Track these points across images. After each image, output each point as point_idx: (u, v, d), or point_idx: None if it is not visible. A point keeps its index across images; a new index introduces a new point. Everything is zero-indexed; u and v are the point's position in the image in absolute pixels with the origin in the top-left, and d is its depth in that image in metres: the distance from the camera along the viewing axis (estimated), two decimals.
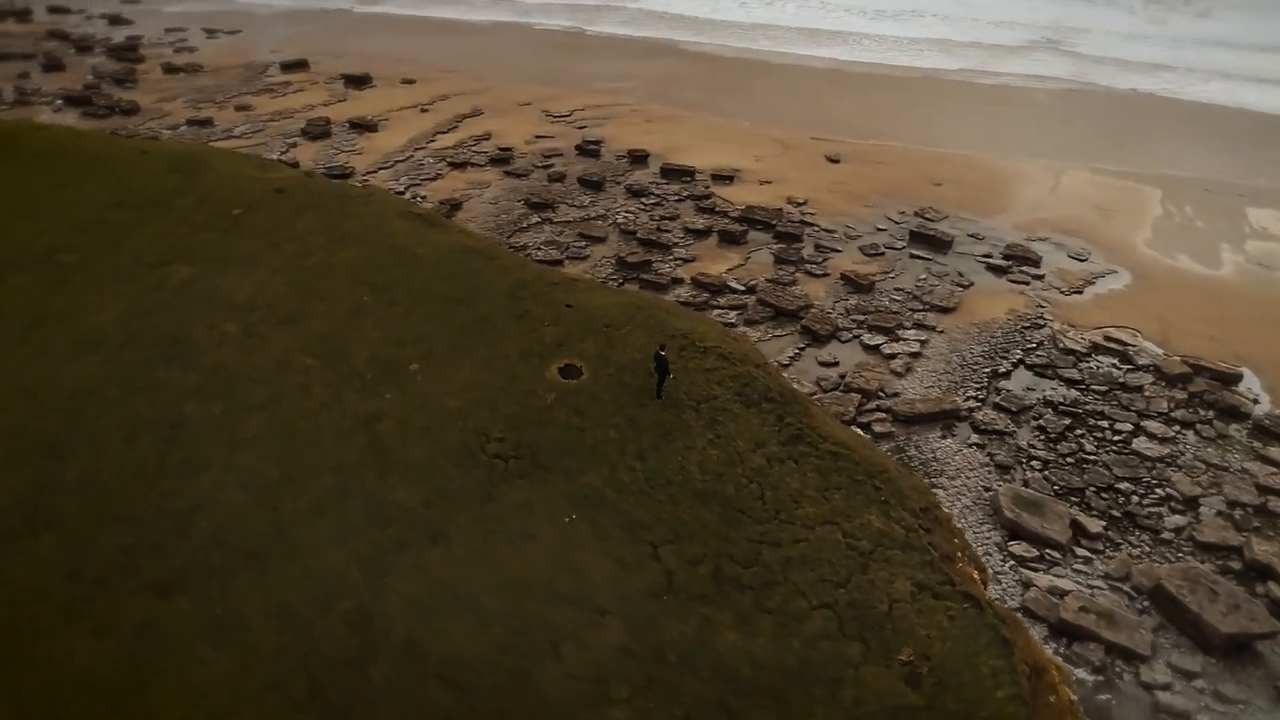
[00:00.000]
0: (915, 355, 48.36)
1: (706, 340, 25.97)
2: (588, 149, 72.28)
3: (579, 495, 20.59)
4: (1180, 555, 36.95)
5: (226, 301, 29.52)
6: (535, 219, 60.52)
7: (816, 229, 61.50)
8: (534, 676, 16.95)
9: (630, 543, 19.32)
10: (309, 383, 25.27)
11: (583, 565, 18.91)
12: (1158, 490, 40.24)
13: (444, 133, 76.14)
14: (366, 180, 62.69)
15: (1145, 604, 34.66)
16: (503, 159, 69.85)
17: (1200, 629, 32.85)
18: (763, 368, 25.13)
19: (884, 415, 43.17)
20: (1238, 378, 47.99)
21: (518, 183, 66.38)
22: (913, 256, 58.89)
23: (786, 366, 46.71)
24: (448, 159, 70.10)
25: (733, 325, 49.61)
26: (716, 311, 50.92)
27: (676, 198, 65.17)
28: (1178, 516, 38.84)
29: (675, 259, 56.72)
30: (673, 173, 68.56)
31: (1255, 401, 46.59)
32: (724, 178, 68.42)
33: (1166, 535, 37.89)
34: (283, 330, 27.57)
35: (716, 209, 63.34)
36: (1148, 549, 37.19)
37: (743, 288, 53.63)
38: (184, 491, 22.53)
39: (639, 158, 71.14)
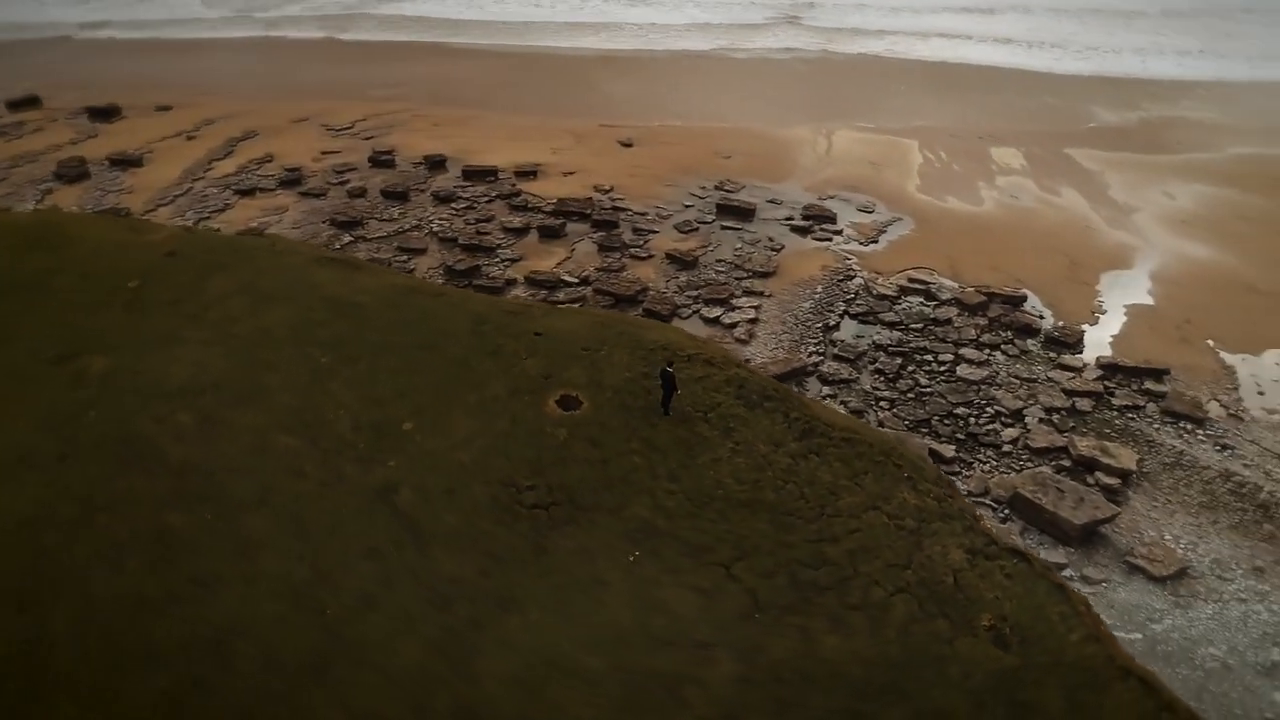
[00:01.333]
0: (753, 321, 49.69)
1: (685, 348, 25.20)
2: (381, 160, 68.51)
3: (631, 530, 19.11)
4: (1021, 463, 40.35)
5: (164, 389, 25.15)
6: (347, 238, 56.63)
7: (629, 213, 61.66)
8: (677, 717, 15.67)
9: (701, 568, 18.25)
10: (299, 464, 21.87)
11: (665, 602, 17.57)
12: (988, 409, 43.72)
13: (220, 159, 69.55)
14: (148, 217, 56.11)
15: (1006, 512, 37.61)
16: (293, 180, 64.80)
17: (1058, 525, 36.03)
18: (744, 367, 24.70)
19: None
20: (1022, 299, 52.93)
21: (317, 203, 61.84)
22: (724, 228, 60.38)
23: None
24: (233, 187, 64.09)
25: None
26: (560, 308, 49.82)
27: (486, 199, 63.19)
28: (1010, 429, 42.39)
29: (502, 260, 55.02)
30: (475, 174, 66.39)
31: (1041, 318, 51.61)
32: (527, 173, 67.08)
33: (1006, 448, 41.27)
34: (244, 411, 23.81)
35: (529, 205, 62.01)
36: (994, 463, 40.34)
37: (576, 280, 52.88)
38: (207, 614, 18.86)
39: (437, 163, 68.31)
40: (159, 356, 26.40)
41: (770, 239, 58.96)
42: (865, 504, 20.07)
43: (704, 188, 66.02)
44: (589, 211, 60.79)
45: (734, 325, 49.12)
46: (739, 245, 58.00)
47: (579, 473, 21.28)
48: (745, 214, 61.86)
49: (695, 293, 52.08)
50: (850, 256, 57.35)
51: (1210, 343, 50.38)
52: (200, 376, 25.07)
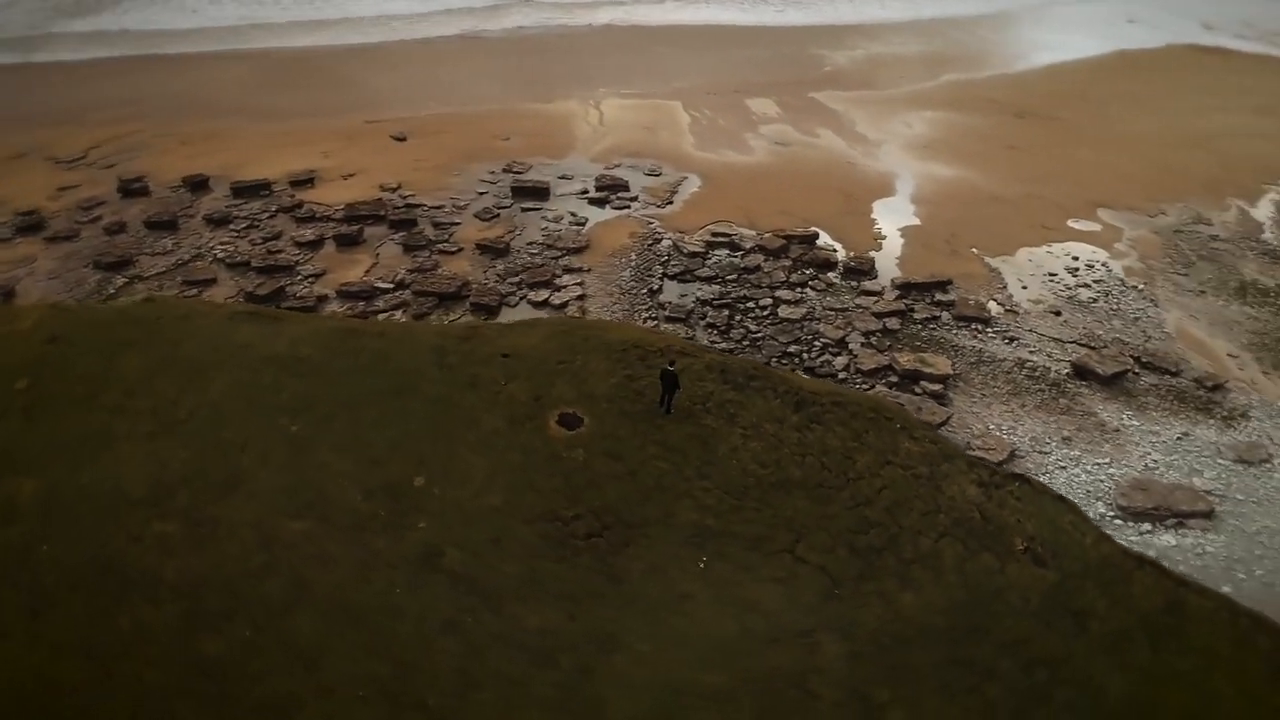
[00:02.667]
0: (582, 298, 49.24)
1: (653, 343, 23.91)
2: (133, 188, 60.79)
3: (688, 536, 17.90)
4: (860, 386, 42.99)
5: (126, 499, 20.48)
6: (120, 280, 50.01)
7: (425, 209, 58.87)
8: (806, 714, 14.96)
9: (768, 558, 17.51)
10: (322, 550, 18.35)
11: (752, 600, 16.70)
12: (816, 343, 46.14)
13: None
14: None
15: None
16: (33, 225, 56.10)
17: None
18: (711, 350, 23.88)
19: None
20: (815, 236, 56.06)
21: (70, 246, 54.02)
22: (524, 210, 59.16)
23: None
24: None
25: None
26: (382, 315, 46.89)
27: (267, 214, 57.91)
28: (840, 358, 45.03)
29: (305, 277, 50.82)
30: (247, 190, 60.58)
31: (835, 251, 54.96)
32: (303, 182, 62.15)
33: (841, 376, 43.79)
34: (231, 504, 19.60)
35: (316, 215, 57.57)
36: None
37: (392, 285, 49.93)
38: None
39: (199, 183, 61.63)
40: (101, 463, 21.56)
41: (573, 214, 58.51)
42: (879, 461, 20.61)
43: (493, 172, 64.20)
44: (383, 213, 57.43)
45: (564, 305, 48.46)
46: (544, 225, 57.11)
47: (614, 490, 20.04)
48: (541, 193, 60.89)
49: (516, 279, 50.78)
50: (652, 220, 58.10)
51: (975, 250, 55.96)
52: (163, 475, 20.64)
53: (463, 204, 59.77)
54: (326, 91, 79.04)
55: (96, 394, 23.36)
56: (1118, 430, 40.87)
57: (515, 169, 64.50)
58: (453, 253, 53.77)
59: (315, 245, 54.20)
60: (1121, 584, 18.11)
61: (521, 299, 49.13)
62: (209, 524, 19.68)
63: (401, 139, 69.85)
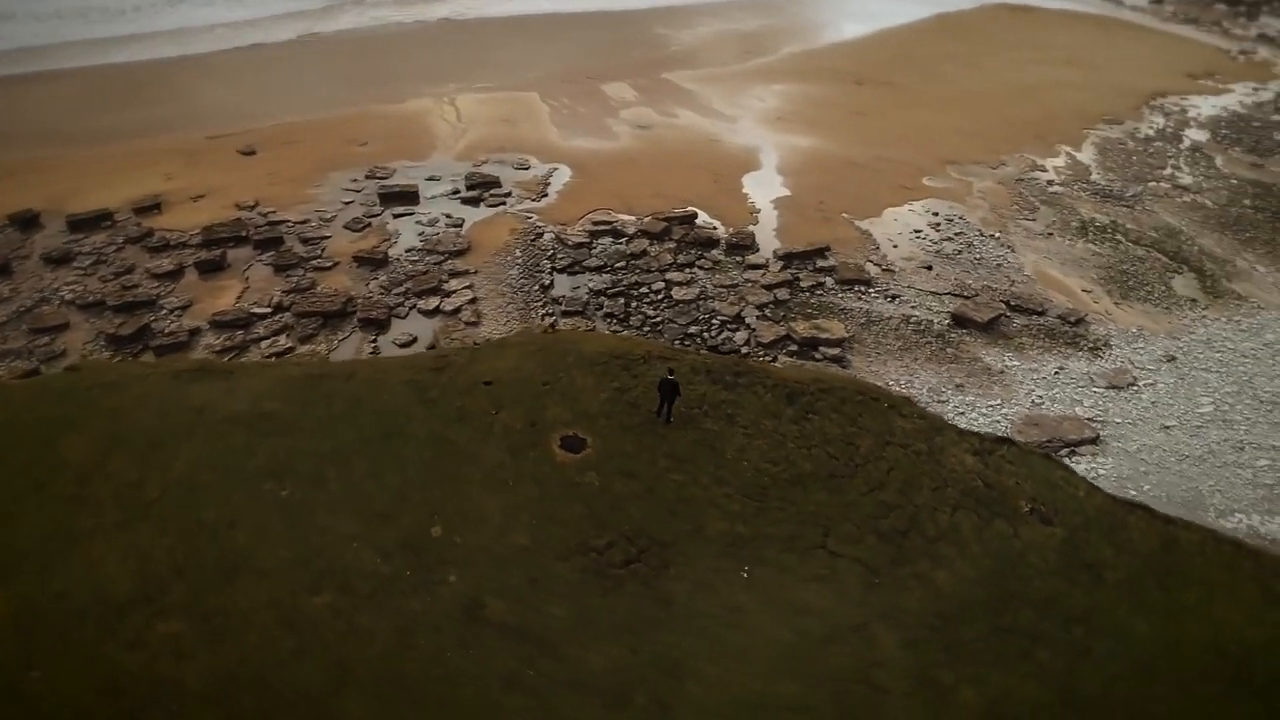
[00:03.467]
0: (474, 302, 47.65)
1: (630, 352, 22.60)
2: None
3: (723, 547, 16.93)
4: (763, 358, 43.61)
5: (111, 603, 17.28)
6: None
7: (289, 224, 55.34)
8: (883, 709, 14.58)
9: (805, 556, 16.86)
10: (353, 623, 16.04)
11: (801, 601, 16.01)
12: (714, 322, 46.46)
13: None
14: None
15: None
16: None
17: None
18: (688, 351, 22.85)
19: None
20: (694, 216, 56.36)
21: None
22: (396, 216, 56.62)
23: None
24: None
25: (290, 350, 43.38)
26: (265, 343, 43.87)
27: (114, 248, 52.96)
28: (740, 333, 45.50)
29: (171, 311, 46.82)
30: (85, 223, 55.17)
31: (715, 229, 55.43)
32: (149, 208, 57.12)
33: (744, 350, 44.28)
34: (238, 589, 16.69)
35: (170, 243, 53.10)
36: None
37: (270, 309, 46.72)
38: None
39: (28, 220, 55.64)
40: (72, 565, 18.27)
41: (448, 216, 56.46)
42: (879, 443, 20.58)
43: (355, 180, 61.09)
44: (244, 233, 53.60)
45: (458, 310, 46.76)
46: (420, 230, 54.84)
47: (637, 511, 18.94)
48: (410, 197, 58.45)
49: (401, 289, 48.57)
50: (531, 215, 56.85)
51: (845, 215, 57.75)
52: (150, 569, 17.61)
53: (329, 216, 56.58)
54: (158, 108, 72.99)
55: (43, 486, 19.83)
56: (1002, 372, 43.24)
57: (379, 174, 61.63)
58: (328, 268, 50.85)
59: (175, 275, 50.02)
60: (1120, 530, 19.14)
61: (411, 308, 47.06)
62: (219, 616, 17.19)
63: (250, 153, 65.41)
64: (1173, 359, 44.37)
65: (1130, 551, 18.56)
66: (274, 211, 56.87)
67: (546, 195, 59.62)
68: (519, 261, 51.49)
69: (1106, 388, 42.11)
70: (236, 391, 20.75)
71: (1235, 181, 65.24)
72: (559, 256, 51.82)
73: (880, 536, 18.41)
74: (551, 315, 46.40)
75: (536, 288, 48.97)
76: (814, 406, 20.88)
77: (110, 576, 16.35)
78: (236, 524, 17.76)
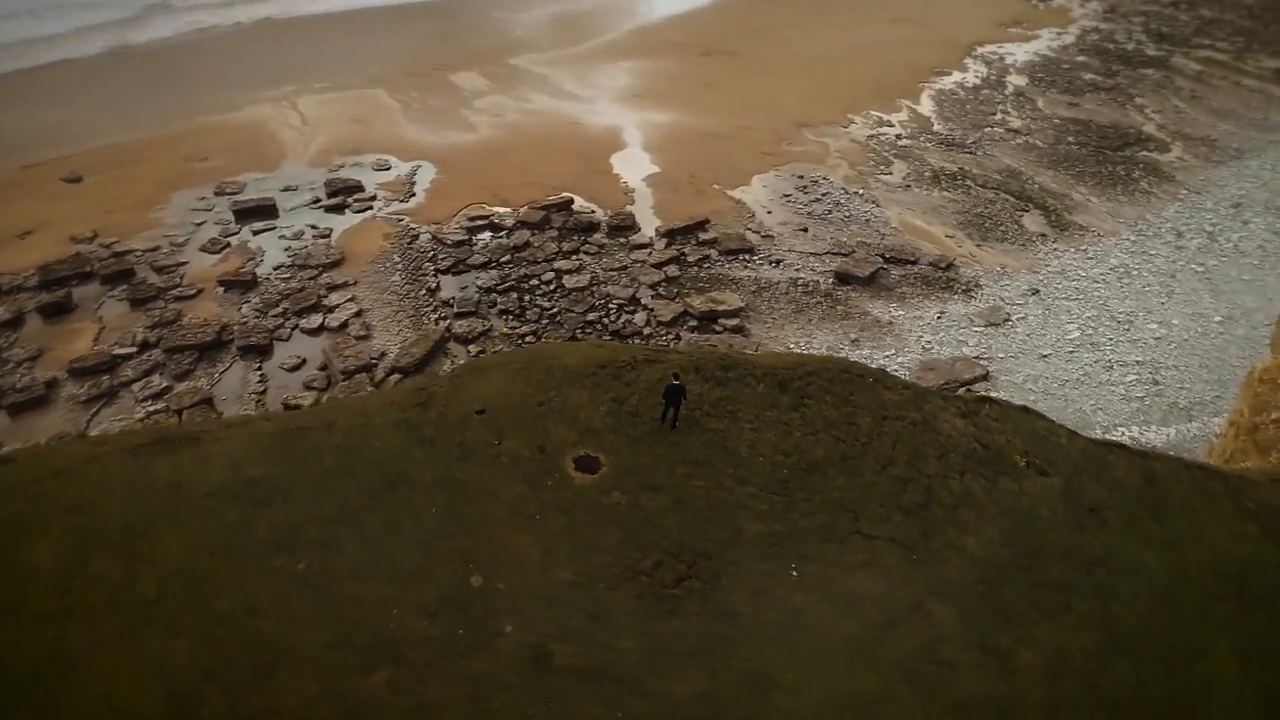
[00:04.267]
0: (359, 314, 45.20)
1: (615, 359, 21.13)
2: None
3: (766, 549, 16.04)
4: (665, 339, 43.55)
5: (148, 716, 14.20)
6: None
7: (138, 254, 50.70)
8: (958, 685, 14.83)
9: (843, 544, 16.31)
10: (419, 697, 13.67)
11: (853, 591, 15.42)
12: (611, 306, 45.97)
13: None
14: None
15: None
16: None
17: None
18: (670, 350, 21.71)
19: (397, 376, 40.36)
20: (570, 202, 55.51)
21: None
22: (256, 233, 52.90)
23: (261, 394, 39.90)
24: None
25: (168, 389, 39.92)
26: (136, 385, 40.13)
27: None
28: (639, 315, 45.23)
29: (19, 364, 41.97)
30: None
31: (594, 213, 54.78)
32: None
33: (647, 331, 44.11)
34: (281, 684, 13.69)
35: (3, 288, 47.64)
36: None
37: (135, 348, 42.71)
38: None
39: None
40: (81, 689, 15.06)
41: (313, 227, 53.26)
42: (877, 419, 20.48)
43: (203, 199, 56.61)
44: (88, 269, 48.72)
45: (344, 325, 44.23)
46: (286, 244, 51.47)
47: (672, 524, 17.87)
48: (268, 211, 54.74)
49: (278, 309, 45.48)
50: (402, 217, 54.43)
51: (716, 187, 58.33)
52: (174, 679, 13.81)
53: (181, 240, 52.21)
54: None
55: (17, 606, 16.51)
56: (891, 323, 44.97)
57: (228, 190, 57.33)
58: (192, 296, 46.96)
59: (15, 324, 44.90)
60: (1106, 471, 20.12)
61: (293, 329, 44.15)
62: (268, 718, 14.89)
63: (76, 180, 59.38)
64: (1036, 292, 47.39)
65: (1121, 490, 19.71)
66: (117, 241, 51.95)
67: (414, 195, 57.21)
68: (399, 267, 49.23)
69: (985, 326, 44.53)
70: (211, 460, 18.38)
71: (1058, 121, 70.16)
72: (440, 257, 49.87)
73: (905, 513, 18.70)
74: (445, 319, 44.67)
75: (423, 292, 46.99)
76: (806, 391, 20.89)
77: (129, 696, 13.77)
78: (257, 610, 15.48)
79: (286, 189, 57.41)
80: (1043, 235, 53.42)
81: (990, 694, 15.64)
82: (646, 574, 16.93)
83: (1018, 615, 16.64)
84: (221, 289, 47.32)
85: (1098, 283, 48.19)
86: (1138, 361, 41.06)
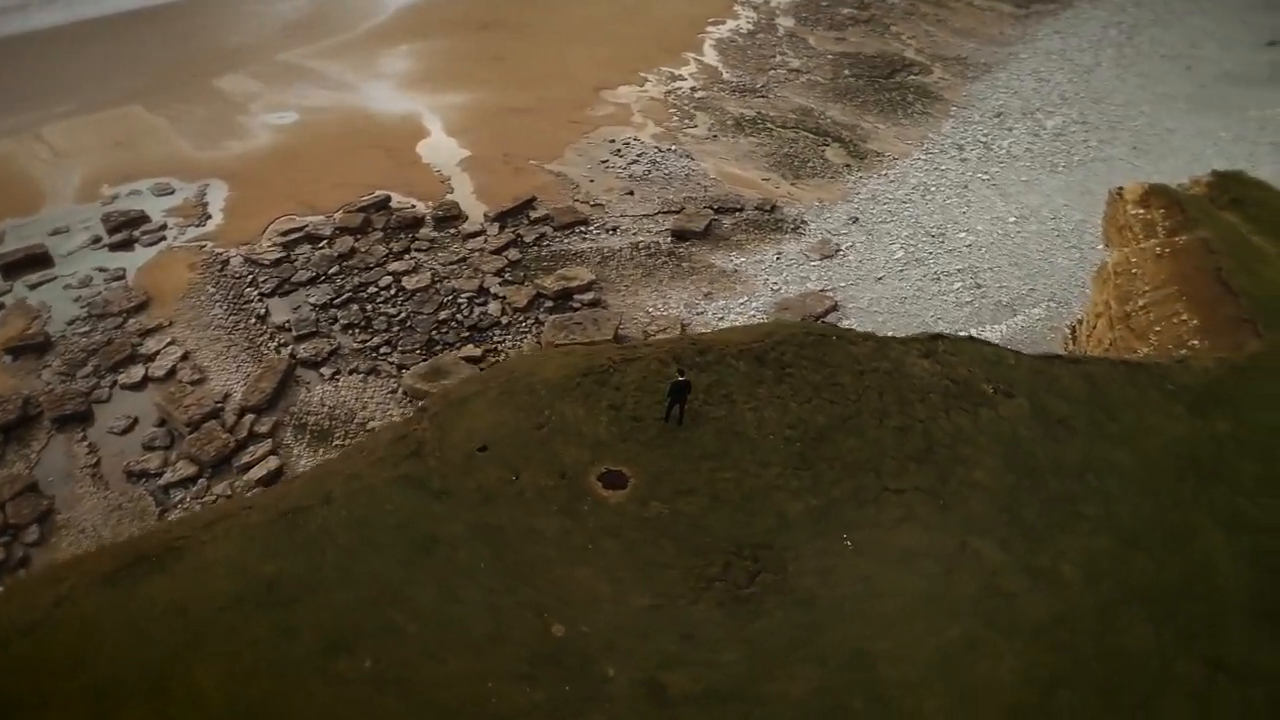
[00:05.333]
0: (186, 356, 40.64)
1: (592, 364, 19.06)
2: None
3: (812, 527, 15.23)
4: (524, 325, 42.33)
5: None
6: None
7: None
8: (1026, 613, 15.27)
9: (879, 502, 16.40)
10: None
11: (906, 547, 16.16)
12: (459, 301, 44.04)
13: None
14: None
15: None
16: None
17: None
18: (642, 345, 20.06)
19: (253, 415, 36.81)
20: (387, 199, 52.40)
21: None
22: (33, 287, 46.11)
23: (95, 466, 35.30)
24: None
25: None
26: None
27: None
28: (493, 305, 43.65)
29: None
30: None
31: (414, 207, 52.03)
32: None
33: (505, 320, 42.71)
34: None
35: None
36: (510, 338, 41.63)
37: None
38: None
39: None
40: None
41: (101, 270, 47.14)
42: (854, 374, 20.46)
43: None
44: None
45: (172, 373, 39.63)
46: (75, 295, 45.26)
47: (717, 523, 17.08)
48: (40, 260, 47.85)
49: (88, 369, 40.04)
50: (203, 243, 49.31)
51: (533, 162, 57.02)
52: None
53: None
54: None
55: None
56: (736, 271, 46.10)
57: None
58: None
59: None
60: (1056, 383, 21.49)
61: (110, 386, 39.08)
62: None
63: None
64: (856, 220, 50.10)
65: (1074, 399, 21.25)
66: None
67: (210, 217, 51.91)
68: (217, 298, 44.66)
69: (820, 259, 46.63)
70: (208, 569, 15.23)
71: (831, 56, 73.94)
72: (261, 280, 45.68)
73: (916, 461, 19.21)
74: (286, 345, 41.10)
75: (252, 320, 42.94)
76: (783, 360, 20.77)
77: None
78: (307, 708, 13.32)
79: (56, 232, 50.39)
80: (847, 166, 56.42)
81: (1053, 613, 16.82)
82: (720, 579, 16.59)
83: (1042, 533, 17.83)
84: (10, 357, 41.04)
85: (905, 203, 51.61)
86: (958, 269, 44.54)
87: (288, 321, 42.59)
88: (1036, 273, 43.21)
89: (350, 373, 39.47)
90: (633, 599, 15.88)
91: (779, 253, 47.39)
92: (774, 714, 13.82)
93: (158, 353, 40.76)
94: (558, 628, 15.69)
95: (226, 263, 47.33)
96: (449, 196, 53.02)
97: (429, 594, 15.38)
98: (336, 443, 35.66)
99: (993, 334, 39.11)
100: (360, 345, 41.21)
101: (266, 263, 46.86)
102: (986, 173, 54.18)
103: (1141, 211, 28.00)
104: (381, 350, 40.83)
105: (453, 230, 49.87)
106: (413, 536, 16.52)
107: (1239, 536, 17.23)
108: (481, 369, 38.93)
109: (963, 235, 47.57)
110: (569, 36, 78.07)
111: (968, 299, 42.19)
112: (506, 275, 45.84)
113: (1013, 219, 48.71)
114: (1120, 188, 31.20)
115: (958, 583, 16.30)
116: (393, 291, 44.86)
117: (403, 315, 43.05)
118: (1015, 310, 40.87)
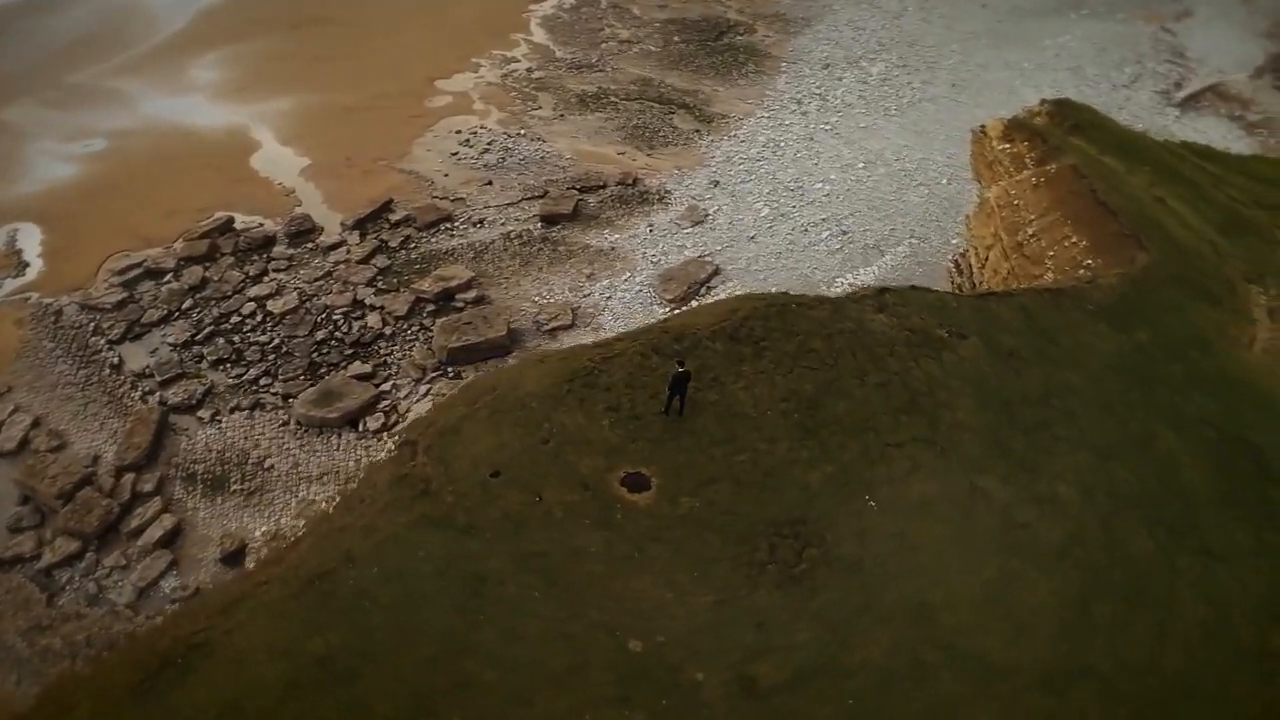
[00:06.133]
0: (37, 422, 36.55)
1: (579, 366, 17.40)
2: None
3: (836, 494, 15.52)
4: (411, 332, 40.63)
5: None
6: None
7: None
8: (1046, 539, 16.46)
9: (887, 462, 17.91)
10: None
11: (921, 496, 17.01)
12: (335, 318, 41.74)
13: None
14: None
15: (449, 368, 38.19)
16: None
17: (493, 344, 38.42)
18: (615, 341, 18.72)
19: (132, 474, 33.60)
20: (230, 220, 48.69)
21: None
22: None
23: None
24: None
25: None
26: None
27: None
28: (372, 316, 41.57)
29: None
30: None
31: (261, 225, 48.59)
32: None
33: (388, 330, 40.89)
34: None
35: None
36: (398, 348, 39.90)
37: None
38: None
39: None
40: None
41: None
42: (824, 338, 20.51)
43: None
44: None
45: (27, 443, 35.50)
46: None
47: (748, 506, 17.11)
48: None
49: None
50: (26, 295, 44.20)
51: (382, 162, 54.45)
52: None
53: None
54: None
55: None
56: (613, 249, 45.94)
57: None
58: None
59: None
60: (996, 318, 22.47)
61: None
62: None
63: None
64: (717, 183, 50.93)
65: (1017, 331, 22.49)
66: None
67: (28, 264, 46.59)
68: (58, 354, 40.28)
69: (692, 226, 47.18)
70: (247, 659, 13.04)
71: (658, 24, 74.28)
72: (106, 326, 41.53)
73: (905, 413, 19.64)
74: (152, 393, 37.67)
75: (106, 371, 39.05)
76: (755, 335, 20.58)
77: None
78: None
79: None
80: (697, 131, 57.10)
81: (1066, 534, 17.95)
82: (770, 562, 16.64)
83: (1032, 461, 18.98)
84: None
85: (760, 161, 52.87)
86: (823, 219, 46.19)
87: (147, 367, 39.00)
88: (894, 213, 45.43)
89: (232, 411, 36.69)
90: (697, 599, 15.70)
91: (650, 225, 47.56)
92: (863, 683, 14.19)
93: (1, 424, 36.42)
94: (634, 643, 15.29)
95: (60, 313, 42.66)
96: (298, 209, 49.87)
97: (493, 636, 14.47)
98: (235, 488, 33.22)
99: (868, 277, 40.91)
100: (236, 380, 38.33)
101: (107, 306, 42.58)
102: (828, 123, 56.24)
103: (1007, 146, 29.97)
104: (261, 382, 38.15)
105: (310, 244, 47.02)
106: (457, 580, 15.43)
107: (1186, 433, 19.08)
108: (377, 385, 37.29)
109: (819, 186, 49.28)
110: (388, 27, 74.58)
111: (837, 246, 43.87)
112: (379, 284, 43.74)
113: (861, 164, 50.88)
114: (982, 126, 33.25)
115: (978, 523, 17.27)
116: (259, 318, 41.89)
117: (276, 342, 40.32)
118: (883, 251, 42.89)
